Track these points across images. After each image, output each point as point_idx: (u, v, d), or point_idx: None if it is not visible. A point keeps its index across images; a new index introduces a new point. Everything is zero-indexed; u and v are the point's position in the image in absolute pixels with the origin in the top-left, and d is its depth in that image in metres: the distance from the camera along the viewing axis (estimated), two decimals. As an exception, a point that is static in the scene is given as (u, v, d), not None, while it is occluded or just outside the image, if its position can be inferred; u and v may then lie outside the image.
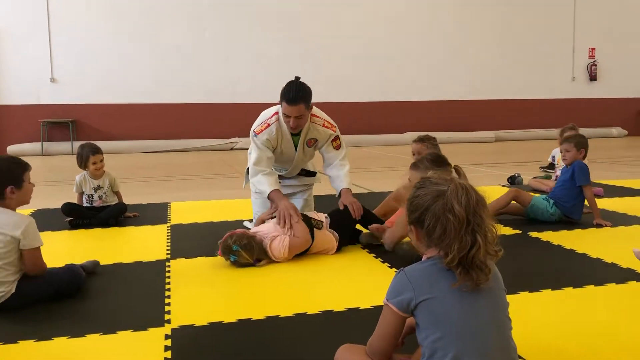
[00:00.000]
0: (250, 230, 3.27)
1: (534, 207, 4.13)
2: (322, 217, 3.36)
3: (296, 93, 3.43)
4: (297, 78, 3.57)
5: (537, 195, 4.31)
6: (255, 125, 3.67)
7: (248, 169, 3.84)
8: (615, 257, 3.16)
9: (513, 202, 4.18)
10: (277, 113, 3.62)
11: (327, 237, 3.29)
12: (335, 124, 3.79)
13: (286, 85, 3.49)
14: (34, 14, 11.89)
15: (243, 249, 3.01)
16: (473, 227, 1.42)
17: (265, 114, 3.71)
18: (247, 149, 3.94)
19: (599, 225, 4.01)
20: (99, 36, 12.19)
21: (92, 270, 3.01)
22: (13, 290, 2.47)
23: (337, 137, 3.79)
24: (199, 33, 12.65)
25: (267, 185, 3.48)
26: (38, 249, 2.53)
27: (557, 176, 5.34)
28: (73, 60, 12.11)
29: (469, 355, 1.38)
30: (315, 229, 3.27)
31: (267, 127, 3.60)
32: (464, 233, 1.41)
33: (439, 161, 3.15)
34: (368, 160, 9.78)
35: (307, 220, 3.29)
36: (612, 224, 4.02)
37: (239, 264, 3.05)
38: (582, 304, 2.48)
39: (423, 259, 1.52)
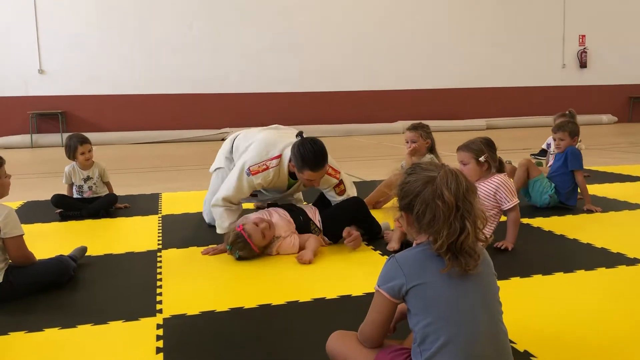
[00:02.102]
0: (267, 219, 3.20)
1: (537, 182, 4.15)
2: (317, 219, 3.32)
3: (320, 158, 3.07)
4: (301, 134, 3.19)
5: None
6: (251, 162, 3.23)
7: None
8: (605, 242, 3.18)
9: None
10: (280, 157, 3.23)
11: (319, 243, 3.24)
12: (339, 169, 3.45)
13: (300, 150, 3.06)
14: (20, 5, 11.73)
15: (240, 252, 3.02)
16: (462, 214, 1.42)
17: (266, 151, 3.26)
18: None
19: (589, 211, 4.03)
20: (87, 27, 12.05)
21: (81, 257, 3.00)
22: (0, 280, 2.46)
23: (340, 183, 3.45)
24: (187, 23, 12.53)
25: (227, 224, 3.20)
26: (20, 237, 2.51)
27: (551, 163, 5.35)
28: (61, 52, 11.97)
29: (460, 339, 1.38)
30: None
31: (264, 169, 3.20)
32: (452, 219, 1.41)
33: (492, 145, 3.13)
34: (359, 149, 9.77)
35: (307, 223, 3.27)
36: (602, 210, 4.05)
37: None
38: (572, 288, 2.50)
39: (414, 244, 1.52)
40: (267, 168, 3.21)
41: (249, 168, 3.23)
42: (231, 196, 3.27)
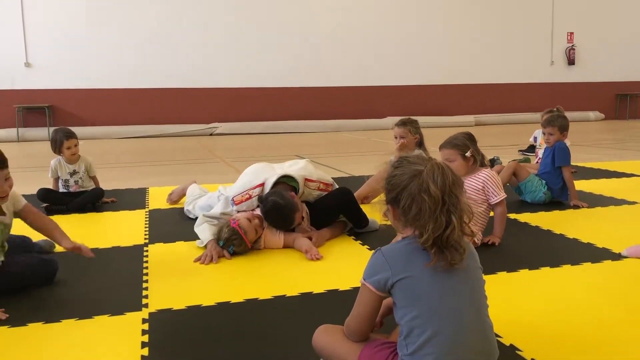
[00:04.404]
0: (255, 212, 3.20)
1: (528, 182, 4.17)
2: (303, 210, 3.30)
3: (286, 224, 3.11)
4: (260, 199, 3.15)
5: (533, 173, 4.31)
6: (235, 193, 3.28)
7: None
8: (591, 237, 3.20)
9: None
10: (262, 185, 3.25)
11: (305, 236, 3.21)
12: (330, 181, 3.48)
13: (267, 217, 3.08)
14: (7, -3, 11.61)
15: (236, 248, 3.00)
16: (448, 208, 1.42)
17: (249, 181, 3.30)
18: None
19: (576, 207, 4.06)
20: (74, 20, 11.94)
21: (48, 250, 2.99)
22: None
23: (330, 185, 3.50)
24: (175, 17, 12.45)
25: (209, 234, 3.10)
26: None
27: (539, 158, 5.38)
28: (48, 45, 11.85)
29: (445, 332, 1.38)
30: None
31: (248, 198, 3.23)
32: (439, 213, 1.40)
33: (474, 139, 3.12)
34: (348, 145, 9.77)
35: None
36: (588, 205, 4.07)
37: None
38: (558, 283, 2.51)
39: (399, 238, 1.52)
40: (250, 197, 3.24)
41: (232, 199, 3.27)
42: (210, 217, 3.25)
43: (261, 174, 3.33)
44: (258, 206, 3.25)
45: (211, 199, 3.75)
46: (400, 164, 1.51)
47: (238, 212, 3.23)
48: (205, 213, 3.32)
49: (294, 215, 3.10)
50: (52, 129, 11.01)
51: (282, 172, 3.31)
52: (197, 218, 3.41)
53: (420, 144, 4.17)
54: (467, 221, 1.47)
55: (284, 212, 3.06)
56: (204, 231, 3.16)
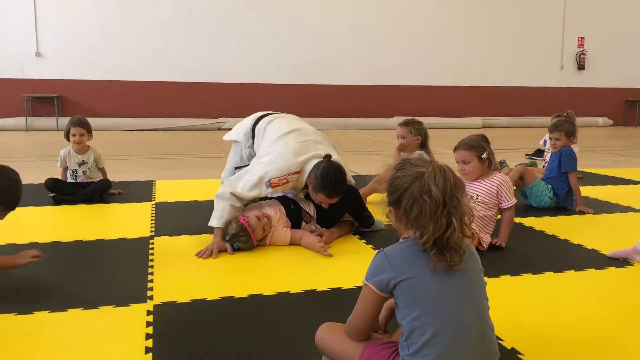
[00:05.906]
0: (263, 211, 3.19)
1: (534, 187, 4.17)
2: (311, 209, 3.33)
3: (339, 188, 3.13)
4: (329, 157, 3.20)
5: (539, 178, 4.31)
6: (273, 175, 3.17)
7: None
8: (596, 243, 3.20)
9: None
10: (300, 172, 3.22)
11: (312, 234, 3.20)
12: (351, 182, 3.45)
13: (324, 175, 3.08)
14: (19, -14, 11.65)
15: (241, 243, 3.01)
16: (449, 209, 1.43)
17: (288, 166, 3.20)
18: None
19: (582, 212, 4.05)
20: (85, 11, 11.97)
21: None
22: None
23: None
24: (185, 10, 12.48)
25: (220, 222, 3.08)
26: None
27: (546, 162, 5.37)
28: (59, 35, 11.90)
29: (446, 333, 1.39)
30: (303, 222, 3.28)
31: (285, 183, 3.20)
32: (439, 215, 1.42)
33: (488, 141, 3.13)
34: (355, 143, 9.77)
35: (297, 210, 3.28)
36: (594, 211, 4.07)
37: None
38: (562, 288, 2.52)
39: (401, 239, 1.54)
40: (287, 182, 3.23)
41: (269, 180, 3.19)
42: (243, 195, 3.18)
43: (300, 157, 3.22)
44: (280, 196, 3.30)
45: (234, 153, 3.74)
46: (403, 166, 1.53)
47: (271, 195, 3.27)
48: (237, 192, 3.15)
49: (344, 188, 3.15)
50: (61, 119, 11.12)
51: (325, 150, 3.29)
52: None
53: (422, 146, 4.17)
54: (467, 223, 1.48)
55: (343, 177, 3.12)
56: (223, 214, 3.09)
